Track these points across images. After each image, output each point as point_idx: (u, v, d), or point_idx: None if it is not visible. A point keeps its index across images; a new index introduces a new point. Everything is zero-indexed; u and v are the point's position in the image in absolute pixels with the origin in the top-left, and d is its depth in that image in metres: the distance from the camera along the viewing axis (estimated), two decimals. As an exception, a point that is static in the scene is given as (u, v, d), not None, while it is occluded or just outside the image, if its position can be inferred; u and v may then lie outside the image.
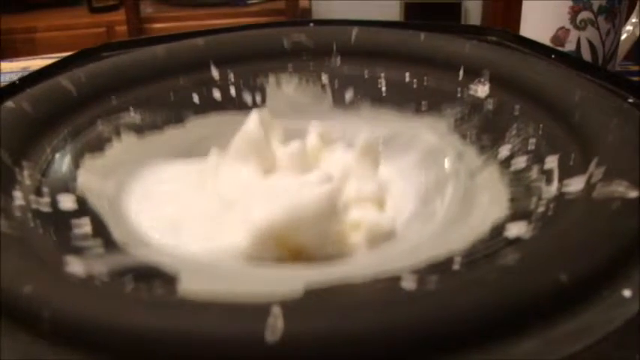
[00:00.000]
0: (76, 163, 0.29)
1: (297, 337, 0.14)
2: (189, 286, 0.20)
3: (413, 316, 0.15)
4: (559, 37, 0.51)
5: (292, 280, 0.20)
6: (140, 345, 0.15)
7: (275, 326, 0.14)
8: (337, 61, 0.38)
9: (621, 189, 0.21)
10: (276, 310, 0.15)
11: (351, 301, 0.16)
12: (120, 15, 1.54)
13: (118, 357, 0.15)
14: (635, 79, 0.58)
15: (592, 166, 0.23)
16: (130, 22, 1.49)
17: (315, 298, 0.16)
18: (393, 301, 0.16)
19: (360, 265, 0.24)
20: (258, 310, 0.15)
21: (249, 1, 1.61)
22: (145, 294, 0.17)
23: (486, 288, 0.16)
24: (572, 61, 0.35)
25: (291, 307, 0.15)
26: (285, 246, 0.24)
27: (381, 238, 0.26)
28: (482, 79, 0.33)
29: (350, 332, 0.14)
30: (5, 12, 1.54)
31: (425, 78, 0.35)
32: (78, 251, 0.23)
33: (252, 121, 0.31)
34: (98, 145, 0.31)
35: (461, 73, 0.34)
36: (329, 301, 0.16)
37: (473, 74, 0.33)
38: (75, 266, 0.20)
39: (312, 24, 0.41)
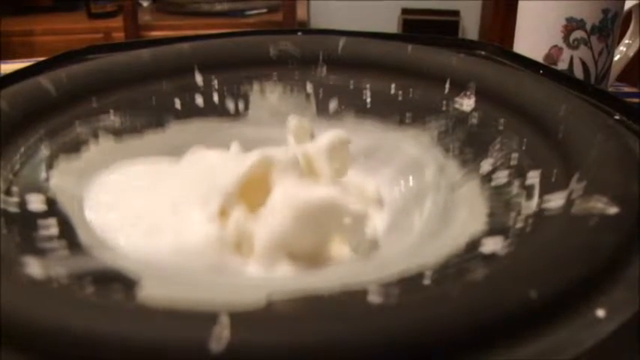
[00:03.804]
0: (50, 164, 0.29)
1: (242, 347, 0.14)
2: (150, 291, 0.19)
3: (366, 331, 0.14)
4: (552, 56, 0.50)
5: (256, 289, 0.20)
6: (79, 348, 0.14)
7: (220, 336, 0.14)
8: (323, 70, 0.37)
9: (600, 205, 0.20)
10: (224, 320, 0.14)
11: (306, 314, 0.15)
12: (118, 22, 1.54)
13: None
14: (634, 100, 0.58)
15: (573, 182, 0.23)
16: (128, 29, 1.49)
17: (271, 309, 0.15)
18: (348, 316, 0.15)
19: (331, 276, 0.24)
20: (206, 319, 0.14)
21: (247, 13, 1.61)
22: (95, 298, 0.16)
23: (450, 304, 0.15)
24: (559, 76, 0.34)
25: (241, 317, 0.14)
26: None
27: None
28: (468, 93, 0.32)
29: (298, 346, 0.14)
30: (4, 14, 1.54)
31: (410, 90, 0.34)
32: (40, 252, 0.22)
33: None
34: (74, 147, 0.31)
35: (447, 86, 0.33)
36: (283, 312, 0.15)
37: (459, 87, 0.33)
38: (33, 268, 0.20)
39: (300, 33, 0.41)
